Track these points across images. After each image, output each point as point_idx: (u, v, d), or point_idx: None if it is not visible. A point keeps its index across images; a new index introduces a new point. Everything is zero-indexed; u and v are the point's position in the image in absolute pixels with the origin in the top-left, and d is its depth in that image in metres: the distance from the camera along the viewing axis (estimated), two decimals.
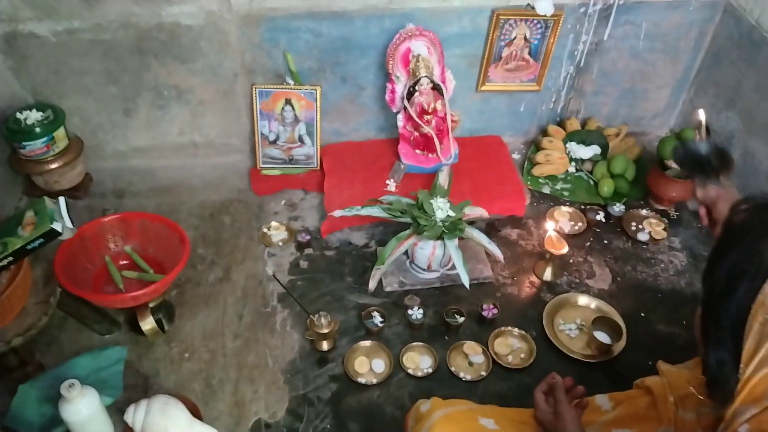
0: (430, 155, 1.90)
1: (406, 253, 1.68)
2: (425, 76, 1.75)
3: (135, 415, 1.22)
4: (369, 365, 1.52)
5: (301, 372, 1.51)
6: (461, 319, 1.59)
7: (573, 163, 2.07)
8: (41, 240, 1.26)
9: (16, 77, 1.79)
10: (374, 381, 1.49)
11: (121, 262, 1.60)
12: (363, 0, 1.75)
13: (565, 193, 2.01)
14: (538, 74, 1.98)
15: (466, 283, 1.57)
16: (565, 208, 1.96)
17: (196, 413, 1.33)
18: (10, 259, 1.26)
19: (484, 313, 1.61)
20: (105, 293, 1.54)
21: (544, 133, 2.13)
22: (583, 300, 1.68)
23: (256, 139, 1.94)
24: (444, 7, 1.79)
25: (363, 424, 1.42)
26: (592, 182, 2.04)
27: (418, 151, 1.91)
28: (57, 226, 1.26)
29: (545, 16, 1.81)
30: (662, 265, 1.81)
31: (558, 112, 2.14)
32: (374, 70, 1.90)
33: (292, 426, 1.41)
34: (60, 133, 1.77)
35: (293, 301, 1.64)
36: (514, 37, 1.88)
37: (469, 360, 1.54)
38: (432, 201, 1.60)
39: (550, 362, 1.54)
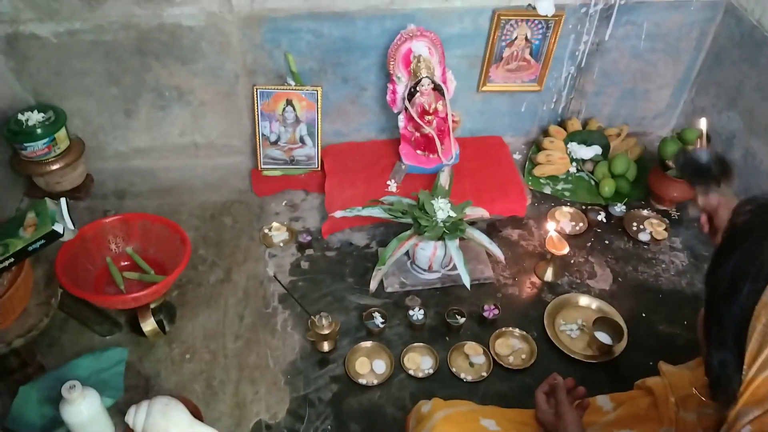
0: (431, 156, 1.90)
1: (407, 253, 1.68)
2: (426, 77, 1.75)
3: (136, 416, 1.22)
4: (370, 366, 1.52)
5: (302, 373, 1.51)
6: (462, 320, 1.59)
7: (574, 164, 2.07)
8: (42, 241, 1.26)
9: (17, 78, 1.79)
10: (375, 382, 1.49)
11: (122, 263, 1.60)
12: (364, 1, 1.75)
13: (566, 194, 2.01)
14: (539, 74, 1.98)
15: (467, 284, 1.57)
16: (566, 209, 1.96)
17: (197, 414, 1.33)
18: (12, 260, 1.26)
19: (485, 314, 1.61)
20: (106, 294, 1.54)
21: (545, 133, 2.13)
22: (584, 300, 1.68)
23: (257, 139, 1.94)
24: (445, 7, 1.79)
25: (364, 425, 1.42)
26: (593, 182, 2.04)
27: (419, 151, 1.92)
28: (58, 228, 1.27)
29: (546, 16, 1.81)
30: (663, 266, 1.80)
31: (559, 112, 2.13)
32: (375, 71, 1.90)
33: (293, 427, 1.41)
34: (61, 134, 1.77)
35: (294, 301, 1.64)
36: (515, 38, 1.88)
37: (470, 361, 1.54)
38: (433, 201, 1.60)
39: (551, 363, 1.54)
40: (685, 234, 1.89)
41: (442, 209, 1.59)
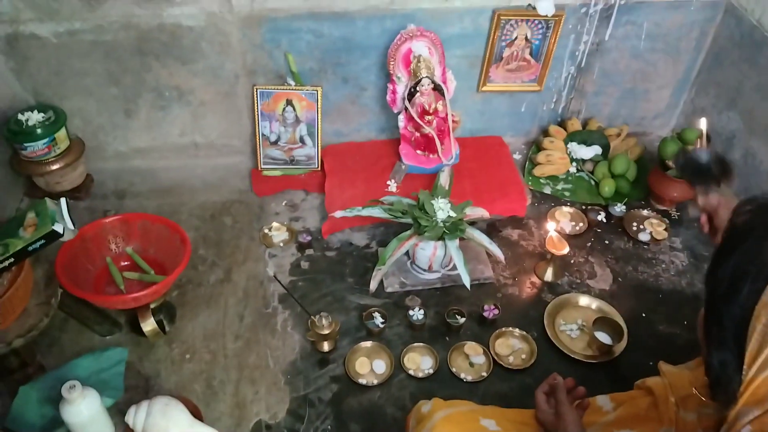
0: (431, 156, 1.90)
1: (407, 253, 1.68)
2: (426, 77, 1.75)
3: (136, 416, 1.22)
4: (370, 366, 1.52)
5: (302, 373, 1.51)
6: (462, 320, 1.59)
7: (574, 164, 2.07)
8: (42, 241, 1.26)
9: (17, 78, 1.79)
10: (375, 382, 1.49)
11: (122, 263, 1.60)
12: (364, 1, 1.75)
13: (566, 194, 2.01)
14: (539, 74, 1.98)
15: (467, 284, 1.57)
16: (566, 209, 1.96)
17: (197, 414, 1.33)
18: (12, 260, 1.26)
19: (485, 314, 1.61)
20: (106, 294, 1.54)
21: (545, 133, 2.13)
22: (584, 300, 1.68)
23: (257, 139, 1.94)
24: (445, 7, 1.79)
25: (364, 425, 1.42)
26: (593, 182, 2.04)
27: (419, 151, 1.92)
28: (58, 228, 1.27)
29: (546, 16, 1.81)
30: (663, 266, 1.80)
31: (559, 112, 2.13)
32: (375, 71, 1.90)
33: (293, 427, 1.41)
34: (61, 134, 1.77)
35: (294, 301, 1.64)
36: (515, 38, 1.88)
37: (470, 361, 1.54)
38: (433, 201, 1.60)
39: (551, 363, 1.54)
40: (685, 234, 1.90)
41: (442, 209, 1.59)
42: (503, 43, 1.89)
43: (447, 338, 1.60)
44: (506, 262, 1.75)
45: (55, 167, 1.79)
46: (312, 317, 1.51)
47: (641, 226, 1.90)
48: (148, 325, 1.49)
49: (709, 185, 1.15)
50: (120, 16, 1.70)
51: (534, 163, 2.07)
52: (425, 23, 1.77)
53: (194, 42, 1.77)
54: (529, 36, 1.88)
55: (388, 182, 1.88)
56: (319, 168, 1.99)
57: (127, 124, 1.94)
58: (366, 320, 1.60)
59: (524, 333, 1.60)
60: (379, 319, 1.61)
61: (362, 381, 1.49)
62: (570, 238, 1.85)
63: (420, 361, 1.53)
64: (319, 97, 1.87)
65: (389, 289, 1.70)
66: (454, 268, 1.62)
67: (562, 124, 2.14)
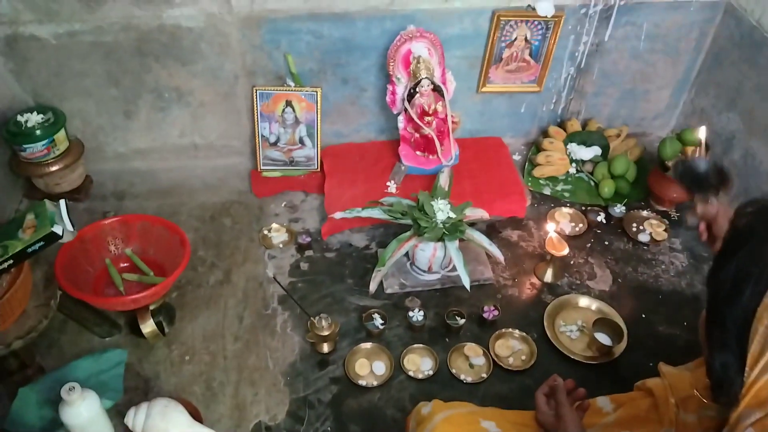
0: (430, 156, 1.90)
1: (406, 254, 1.68)
2: (426, 78, 1.75)
3: (135, 418, 1.22)
4: (370, 367, 1.52)
5: (302, 374, 1.51)
6: (462, 321, 1.59)
7: (574, 164, 2.07)
8: (42, 243, 1.26)
9: (16, 80, 1.79)
10: (375, 383, 1.49)
11: (122, 265, 1.60)
12: (364, 1, 1.75)
13: (566, 195, 2.01)
14: (539, 75, 1.98)
15: (467, 285, 1.57)
16: (565, 210, 1.95)
17: (196, 416, 1.33)
18: (11, 262, 1.26)
19: (485, 315, 1.61)
20: (105, 296, 1.54)
21: (545, 134, 2.13)
22: (583, 301, 1.68)
23: (257, 140, 1.94)
24: (445, 8, 1.79)
25: (364, 427, 1.42)
26: (592, 183, 2.04)
27: (418, 152, 1.91)
28: (57, 229, 1.26)
29: (546, 17, 1.81)
30: (663, 266, 1.80)
31: (558, 113, 2.13)
32: (375, 72, 1.90)
33: (293, 428, 1.40)
34: (60, 135, 1.77)
35: (294, 303, 1.64)
36: (515, 39, 1.88)
37: (470, 362, 1.54)
38: (432, 202, 1.60)
39: (551, 364, 1.54)
40: (684, 235, 1.89)
41: (442, 210, 1.59)
42: (503, 44, 1.89)
43: (447, 339, 1.60)
44: (506, 263, 1.75)
45: (54, 168, 1.78)
46: (312, 318, 1.51)
47: (641, 227, 1.90)
48: (148, 326, 1.49)
49: (708, 194, 1.16)
50: (119, 17, 1.70)
51: (534, 163, 2.07)
52: (425, 24, 1.77)
53: (194, 43, 1.77)
54: (528, 37, 1.88)
55: (388, 183, 1.88)
56: (319, 169, 1.99)
57: (127, 125, 1.94)
58: (366, 321, 1.60)
59: (524, 334, 1.60)
60: (378, 321, 1.61)
61: (362, 382, 1.49)
62: (570, 239, 1.85)
63: (420, 363, 1.53)
64: (319, 98, 1.87)
65: (389, 291, 1.69)
66: (454, 269, 1.62)
67: (561, 124, 2.14)
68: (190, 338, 1.57)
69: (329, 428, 1.41)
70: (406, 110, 1.82)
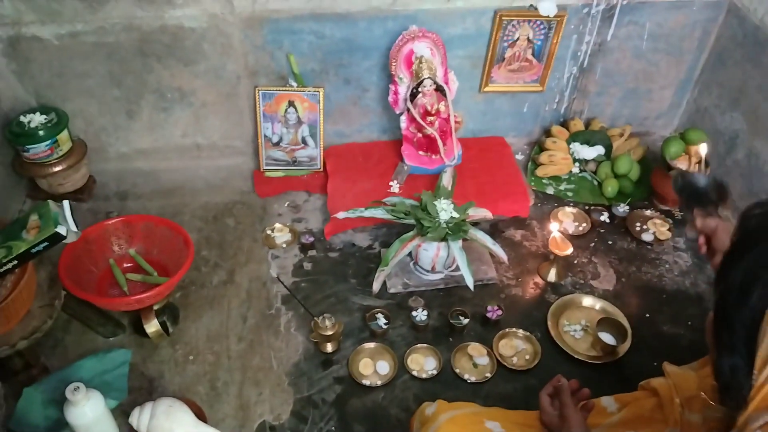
0: (433, 156, 1.90)
1: (410, 254, 1.68)
2: (428, 78, 1.75)
3: (140, 417, 1.22)
4: (373, 367, 1.52)
5: (306, 374, 1.51)
6: (465, 321, 1.59)
7: (577, 164, 2.07)
8: (45, 243, 1.26)
9: (19, 80, 1.79)
10: (379, 383, 1.49)
11: (125, 265, 1.60)
12: (366, 2, 1.75)
13: (569, 194, 2.01)
14: (542, 75, 1.98)
15: (471, 285, 1.57)
16: (569, 209, 1.95)
17: (200, 416, 1.33)
18: (15, 262, 1.26)
19: (489, 315, 1.61)
20: (109, 296, 1.54)
21: (548, 133, 2.12)
22: (587, 301, 1.68)
23: (260, 141, 1.94)
24: (447, 8, 1.79)
25: (367, 427, 1.42)
26: (596, 183, 2.04)
27: (421, 152, 1.91)
28: (61, 230, 1.26)
29: (548, 17, 1.81)
30: (667, 266, 1.80)
31: (561, 112, 2.13)
32: (377, 72, 1.90)
33: (297, 428, 1.40)
34: (63, 135, 1.77)
35: (297, 303, 1.64)
36: (517, 38, 1.88)
37: (474, 362, 1.54)
38: (436, 202, 1.60)
39: (555, 364, 1.54)
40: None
41: (445, 210, 1.59)
42: (505, 44, 1.89)
43: (450, 339, 1.60)
44: (509, 263, 1.75)
45: (57, 169, 1.79)
46: (315, 318, 1.51)
47: (644, 226, 1.90)
48: (152, 326, 1.49)
49: (706, 208, 1.17)
50: (122, 17, 1.70)
51: (537, 163, 2.07)
52: (427, 24, 1.77)
53: (196, 43, 1.77)
54: (531, 36, 1.88)
55: (391, 183, 1.88)
56: (322, 169, 1.99)
57: (130, 125, 1.94)
58: (369, 321, 1.60)
59: (528, 334, 1.60)
60: (382, 320, 1.61)
61: (366, 382, 1.49)
62: (573, 238, 1.85)
63: (423, 362, 1.53)
64: (321, 99, 1.87)
65: (392, 290, 1.69)
66: (458, 269, 1.62)
67: (564, 124, 2.14)
68: (194, 338, 1.57)
69: (333, 428, 1.41)
70: (408, 110, 1.82)
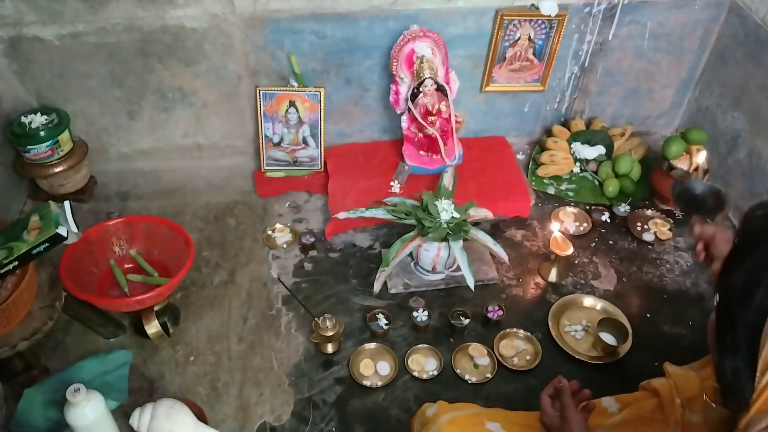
0: (434, 156, 1.90)
1: (410, 254, 1.68)
2: (429, 78, 1.74)
3: (140, 418, 1.22)
4: (374, 368, 1.52)
5: (306, 375, 1.51)
6: (466, 321, 1.59)
7: (578, 164, 2.06)
8: (46, 244, 1.27)
9: (20, 81, 1.79)
10: (379, 383, 1.49)
11: (126, 266, 1.60)
12: (367, 1, 1.75)
13: (570, 194, 2.01)
14: (543, 74, 1.98)
15: (471, 285, 1.57)
16: (570, 209, 1.95)
17: (201, 417, 1.33)
18: (16, 263, 1.26)
19: (489, 315, 1.61)
20: (110, 297, 1.54)
21: (549, 133, 2.12)
22: (588, 301, 1.68)
23: (260, 141, 1.94)
24: (448, 8, 1.79)
25: (368, 427, 1.42)
26: (597, 182, 2.03)
27: (422, 152, 1.91)
28: (62, 231, 1.27)
29: (549, 16, 1.81)
30: (668, 266, 1.80)
31: (562, 112, 2.13)
32: (378, 72, 1.90)
33: (298, 429, 1.40)
34: (64, 136, 1.77)
35: (298, 303, 1.63)
36: (519, 38, 1.87)
37: (475, 362, 1.54)
38: (436, 202, 1.60)
39: (556, 364, 1.53)
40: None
41: (446, 210, 1.58)
42: (506, 44, 1.88)
43: (451, 339, 1.60)
44: (510, 263, 1.75)
45: (58, 170, 1.79)
46: (316, 319, 1.51)
47: (645, 226, 1.89)
48: (152, 327, 1.49)
49: (703, 216, 1.17)
50: (123, 18, 1.70)
51: (537, 163, 2.06)
52: (428, 24, 1.76)
53: (197, 43, 1.77)
54: (532, 36, 1.87)
55: (392, 183, 1.88)
56: (322, 169, 1.99)
57: (131, 125, 1.94)
58: (370, 322, 1.60)
59: (528, 334, 1.59)
60: (383, 321, 1.60)
61: (366, 383, 1.49)
62: (574, 238, 1.84)
63: (424, 363, 1.53)
64: (322, 99, 1.87)
65: (393, 291, 1.69)
66: (458, 269, 1.61)
67: (565, 124, 2.13)
68: (195, 339, 1.57)
69: (334, 429, 1.41)
70: (409, 110, 1.82)
